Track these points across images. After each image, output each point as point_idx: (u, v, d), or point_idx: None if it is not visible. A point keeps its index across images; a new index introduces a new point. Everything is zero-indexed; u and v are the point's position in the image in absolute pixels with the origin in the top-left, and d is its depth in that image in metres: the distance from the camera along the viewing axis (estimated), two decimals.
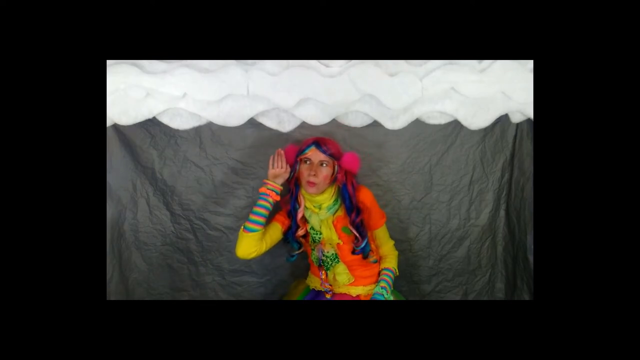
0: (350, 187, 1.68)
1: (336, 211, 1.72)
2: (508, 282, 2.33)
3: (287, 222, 1.74)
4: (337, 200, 1.72)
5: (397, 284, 2.26)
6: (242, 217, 2.19)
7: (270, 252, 2.25)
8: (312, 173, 1.63)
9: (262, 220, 1.63)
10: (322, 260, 1.71)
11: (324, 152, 1.64)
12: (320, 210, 1.70)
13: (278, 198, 1.66)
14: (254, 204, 1.67)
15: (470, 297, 2.38)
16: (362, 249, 1.71)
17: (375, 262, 1.80)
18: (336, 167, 1.68)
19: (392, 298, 1.72)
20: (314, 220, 1.71)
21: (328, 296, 1.74)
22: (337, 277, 1.72)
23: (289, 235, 1.75)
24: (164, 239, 2.18)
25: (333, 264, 1.71)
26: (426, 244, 2.30)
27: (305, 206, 1.72)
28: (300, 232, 1.73)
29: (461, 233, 2.31)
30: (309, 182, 1.64)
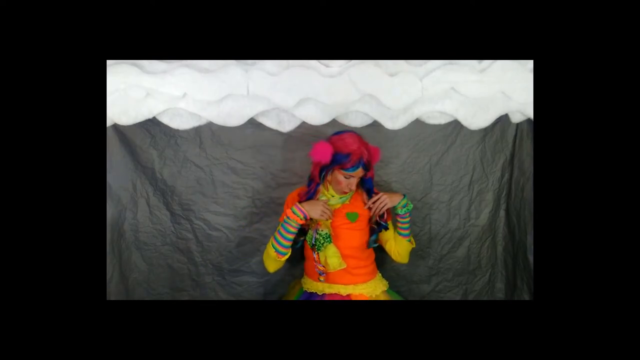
0: (373, 177, 1.76)
1: (346, 202, 1.77)
2: (508, 282, 2.33)
3: None
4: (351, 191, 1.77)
5: (397, 283, 2.26)
6: (242, 217, 2.19)
7: None
8: (352, 187, 1.69)
9: (291, 243, 1.70)
10: (315, 239, 1.70)
11: (367, 170, 1.67)
12: (333, 197, 1.74)
13: (303, 222, 1.67)
14: (283, 227, 1.67)
15: (470, 297, 2.38)
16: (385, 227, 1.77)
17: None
18: None
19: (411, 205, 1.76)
20: None
21: (322, 278, 1.73)
22: (329, 260, 1.68)
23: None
24: (164, 239, 2.18)
25: (325, 244, 1.70)
26: (426, 244, 2.30)
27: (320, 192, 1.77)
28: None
29: (461, 233, 2.31)
30: (344, 191, 1.70)
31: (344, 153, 1.59)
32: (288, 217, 1.65)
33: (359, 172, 1.65)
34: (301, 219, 1.64)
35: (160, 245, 2.18)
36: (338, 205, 1.75)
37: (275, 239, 1.68)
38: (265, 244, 2.21)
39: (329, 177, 1.72)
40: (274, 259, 1.70)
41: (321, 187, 1.75)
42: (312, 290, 1.77)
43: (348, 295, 1.73)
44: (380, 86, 1.47)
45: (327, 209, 1.67)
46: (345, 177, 1.65)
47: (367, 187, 1.78)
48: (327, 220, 1.68)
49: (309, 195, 1.73)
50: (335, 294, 1.74)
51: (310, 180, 1.74)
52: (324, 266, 1.72)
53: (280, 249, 1.67)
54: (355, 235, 1.74)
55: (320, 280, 1.74)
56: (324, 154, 1.59)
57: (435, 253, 2.32)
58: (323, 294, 1.74)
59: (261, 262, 2.24)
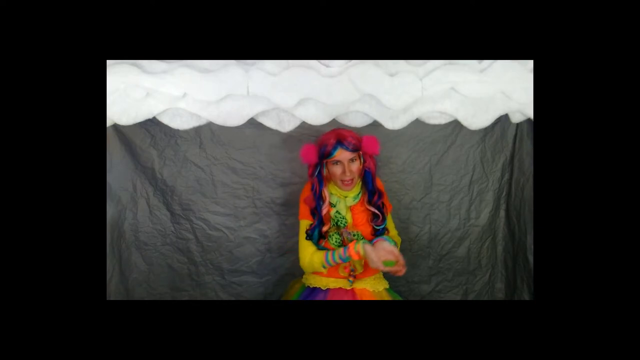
0: (373, 170, 1.75)
1: (359, 200, 1.77)
2: (508, 282, 2.33)
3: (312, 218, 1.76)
4: (360, 191, 1.78)
5: (397, 283, 2.26)
6: (242, 217, 2.20)
7: (270, 252, 2.26)
8: (347, 173, 1.67)
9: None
10: (349, 240, 1.70)
11: (350, 149, 1.66)
12: (346, 198, 1.75)
13: (356, 258, 1.64)
14: (340, 257, 1.64)
15: (470, 297, 2.38)
16: (383, 229, 1.75)
17: None
18: (361, 156, 1.72)
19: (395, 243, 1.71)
20: (340, 206, 1.74)
21: (351, 279, 1.73)
22: (357, 265, 1.73)
23: (313, 232, 1.73)
24: (164, 239, 2.18)
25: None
26: (426, 244, 2.30)
27: (331, 193, 1.76)
28: (325, 227, 1.73)
29: (461, 233, 2.31)
30: (344, 182, 1.69)
31: (323, 144, 1.68)
32: (349, 256, 1.63)
33: (341, 153, 1.66)
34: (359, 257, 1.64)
35: (160, 245, 2.18)
36: (354, 203, 1.76)
37: (327, 261, 1.67)
38: (265, 244, 2.24)
39: (325, 174, 1.73)
40: (319, 270, 1.72)
41: (326, 194, 1.74)
42: (316, 285, 1.77)
43: (352, 290, 1.73)
44: (380, 86, 1.46)
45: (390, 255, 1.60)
46: (334, 164, 1.68)
47: (366, 178, 1.75)
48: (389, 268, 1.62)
49: (315, 199, 1.73)
50: (340, 288, 1.74)
51: (312, 184, 1.75)
52: (354, 269, 1.74)
53: (327, 267, 1.69)
54: (366, 235, 1.75)
55: (350, 282, 1.74)
56: (309, 153, 1.70)
57: (435, 253, 2.32)
58: (327, 288, 1.74)
59: (261, 262, 2.26)
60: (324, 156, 1.68)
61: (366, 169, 1.74)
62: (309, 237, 1.74)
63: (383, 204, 1.77)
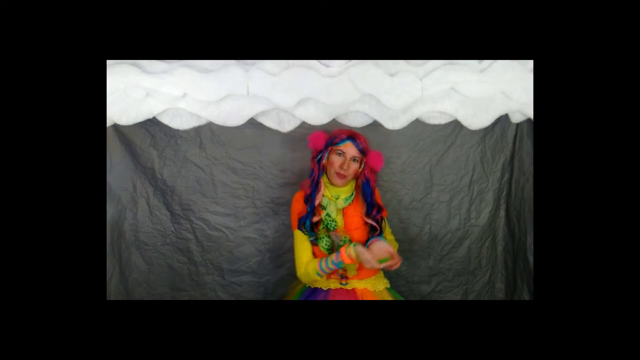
0: (373, 183, 1.76)
1: (351, 202, 1.77)
2: (508, 282, 2.33)
3: (305, 210, 1.75)
4: (353, 192, 1.79)
5: (397, 283, 2.26)
6: (242, 217, 2.20)
7: (270, 252, 2.26)
8: (345, 167, 1.69)
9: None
10: (338, 245, 1.70)
11: (359, 148, 1.70)
12: (337, 200, 1.75)
13: (349, 262, 1.62)
14: (333, 263, 1.62)
15: (470, 297, 2.38)
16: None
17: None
18: (363, 163, 1.74)
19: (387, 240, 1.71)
20: (331, 208, 1.74)
21: (344, 282, 1.72)
22: (347, 267, 1.71)
23: (304, 221, 1.72)
24: (164, 239, 2.18)
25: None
26: (426, 244, 2.30)
27: (323, 194, 1.76)
28: (315, 218, 1.72)
29: (461, 233, 2.31)
30: (338, 175, 1.71)
31: (335, 134, 1.72)
32: (342, 261, 1.62)
33: (348, 146, 1.68)
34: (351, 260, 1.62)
35: (160, 245, 2.18)
36: (345, 205, 1.75)
37: (321, 268, 1.65)
38: (265, 244, 2.24)
39: (324, 162, 1.74)
40: (314, 278, 1.70)
41: (322, 183, 1.74)
42: (317, 285, 1.77)
43: (353, 290, 1.73)
44: (380, 86, 1.47)
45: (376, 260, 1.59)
46: (338, 154, 1.70)
47: (364, 192, 1.75)
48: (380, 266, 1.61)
49: (312, 185, 1.73)
50: (340, 288, 1.74)
51: (312, 169, 1.75)
52: (345, 270, 1.73)
53: (322, 274, 1.67)
54: (364, 236, 1.75)
55: (342, 285, 1.73)
56: (318, 139, 1.73)
57: (436, 253, 2.32)
58: (328, 288, 1.74)
59: (261, 262, 2.26)
60: (331, 143, 1.71)
61: (365, 180, 1.74)
62: (301, 227, 1.71)
63: (382, 217, 1.76)
